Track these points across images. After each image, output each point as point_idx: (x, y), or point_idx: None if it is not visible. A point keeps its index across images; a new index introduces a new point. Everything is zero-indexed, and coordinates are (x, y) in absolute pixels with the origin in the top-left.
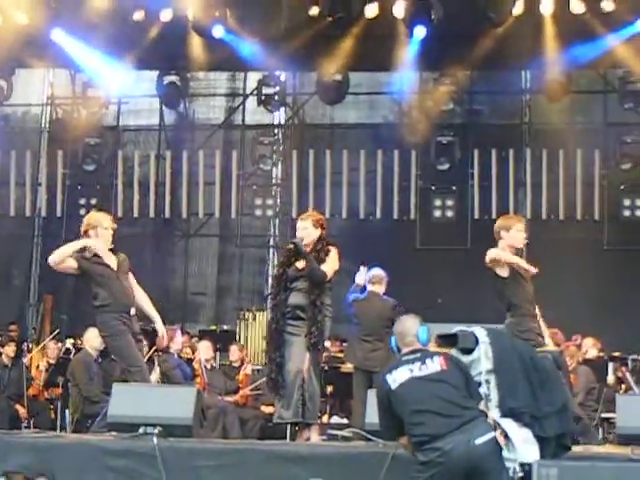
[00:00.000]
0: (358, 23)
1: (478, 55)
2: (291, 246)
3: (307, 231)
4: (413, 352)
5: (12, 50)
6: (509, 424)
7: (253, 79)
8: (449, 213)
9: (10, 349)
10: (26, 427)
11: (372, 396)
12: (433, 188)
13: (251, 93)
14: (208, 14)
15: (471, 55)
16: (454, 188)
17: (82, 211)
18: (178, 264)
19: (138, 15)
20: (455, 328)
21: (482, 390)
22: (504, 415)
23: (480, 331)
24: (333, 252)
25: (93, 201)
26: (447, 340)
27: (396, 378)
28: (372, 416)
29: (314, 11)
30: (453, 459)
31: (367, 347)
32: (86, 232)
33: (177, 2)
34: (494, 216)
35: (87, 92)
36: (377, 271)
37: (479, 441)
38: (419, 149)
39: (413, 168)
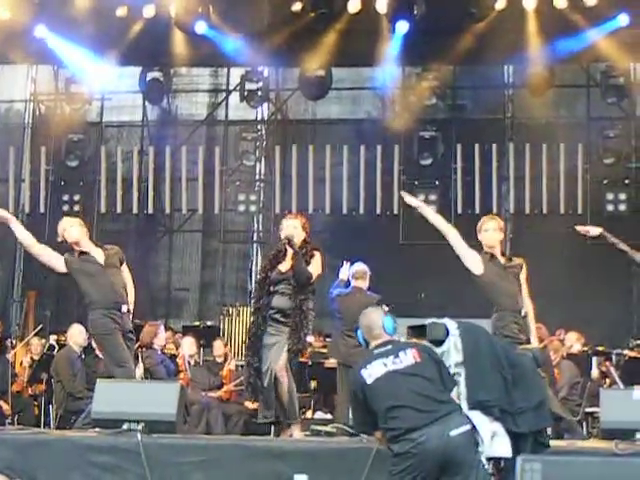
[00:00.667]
0: (341, 18)
1: (461, 50)
2: (285, 242)
3: (297, 230)
4: (384, 344)
5: None
6: (477, 417)
7: (236, 75)
8: (432, 208)
9: None
10: (10, 424)
11: None
12: (416, 183)
13: (234, 89)
14: (191, 10)
15: (454, 50)
16: (437, 183)
17: (65, 207)
18: (161, 260)
19: (121, 11)
20: (427, 320)
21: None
22: (472, 408)
23: (451, 323)
24: (317, 256)
25: (76, 197)
26: (417, 331)
27: (371, 373)
28: None
29: (297, 6)
30: (428, 450)
31: (351, 342)
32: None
33: None
34: (477, 211)
35: (70, 88)
36: (360, 266)
37: (454, 433)
38: (402, 144)
39: (396, 163)
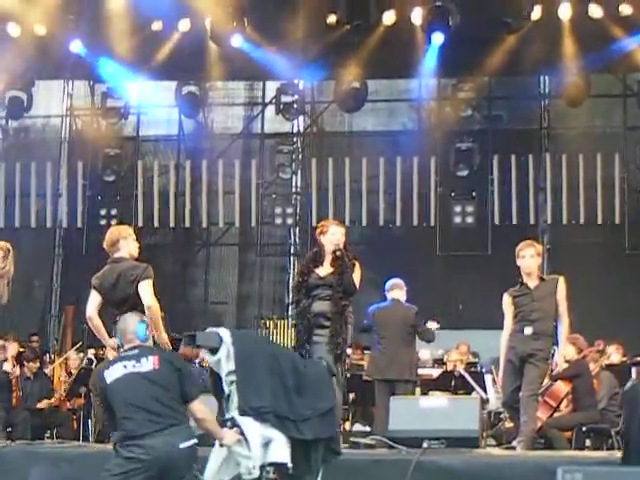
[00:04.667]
0: (376, 30)
1: (496, 61)
2: (339, 252)
3: (343, 238)
4: (132, 349)
5: (31, 62)
6: (248, 423)
7: (271, 88)
8: (469, 219)
9: (33, 364)
10: (49, 438)
11: (395, 404)
12: (453, 194)
13: (270, 102)
14: (226, 23)
15: (489, 61)
16: (474, 194)
17: (103, 222)
18: (199, 273)
19: (156, 25)
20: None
21: (227, 389)
22: (244, 414)
23: (224, 332)
24: (358, 265)
25: (113, 212)
26: (191, 339)
27: (112, 374)
28: (395, 424)
29: (332, 19)
30: (155, 458)
31: (389, 356)
32: (115, 244)
33: (195, 12)
34: (514, 221)
35: (106, 103)
36: (396, 280)
37: (182, 445)
38: (438, 156)
39: (432, 175)
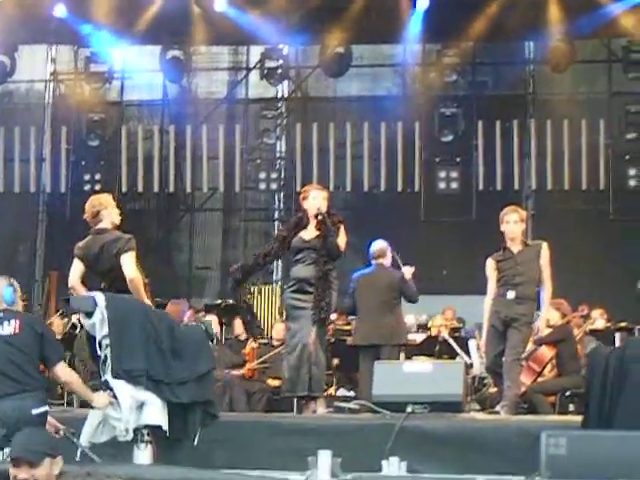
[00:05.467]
0: None
1: (481, 26)
2: (320, 216)
3: (324, 202)
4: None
5: (14, 26)
6: (120, 386)
7: (255, 53)
8: (453, 185)
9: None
10: None
11: (379, 368)
12: (437, 160)
13: (254, 67)
14: None
15: (474, 26)
16: (458, 160)
17: (87, 187)
18: (183, 239)
19: None
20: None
21: (102, 353)
22: (117, 377)
23: (99, 296)
24: (342, 227)
25: (97, 176)
26: (65, 303)
27: None
28: (379, 388)
29: None
30: (7, 421)
31: (374, 321)
32: (96, 215)
33: None
34: (499, 187)
35: (90, 68)
36: (380, 244)
37: (35, 411)
38: (423, 121)
39: (417, 140)
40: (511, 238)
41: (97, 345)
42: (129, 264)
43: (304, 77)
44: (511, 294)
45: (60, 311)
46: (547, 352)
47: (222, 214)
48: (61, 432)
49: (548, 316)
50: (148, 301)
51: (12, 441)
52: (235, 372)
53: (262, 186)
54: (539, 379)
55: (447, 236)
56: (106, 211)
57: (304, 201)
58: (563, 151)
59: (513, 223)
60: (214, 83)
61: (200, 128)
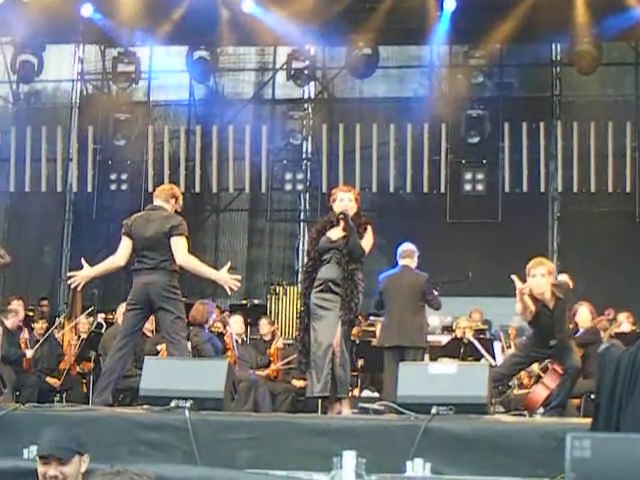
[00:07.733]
0: None
1: (508, 28)
2: (341, 216)
3: (351, 204)
4: None
5: (42, 26)
6: None
7: (282, 53)
8: (479, 187)
9: (41, 325)
10: (58, 401)
11: (403, 369)
12: (463, 162)
13: (281, 67)
14: None
15: (501, 28)
16: (484, 162)
17: (113, 187)
18: (208, 239)
19: None
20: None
21: None
22: None
23: None
24: (369, 230)
25: (124, 176)
26: None
27: None
28: (403, 389)
29: None
30: None
31: (399, 323)
32: (172, 197)
33: None
34: (525, 189)
35: (117, 68)
36: (407, 245)
37: None
38: (449, 123)
39: (443, 142)
40: (539, 293)
41: None
42: (180, 248)
43: (331, 78)
44: (552, 342)
45: (87, 311)
46: None
47: (248, 215)
48: None
49: (579, 312)
50: (209, 270)
51: (40, 438)
52: (260, 372)
53: (288, 187)
54: None
55: (472, 238)
56: (176, 200)
57: (333, 204)
58: (589, 153)
59: (540, 277)
60: (241, 84)
61: (226, 129)
